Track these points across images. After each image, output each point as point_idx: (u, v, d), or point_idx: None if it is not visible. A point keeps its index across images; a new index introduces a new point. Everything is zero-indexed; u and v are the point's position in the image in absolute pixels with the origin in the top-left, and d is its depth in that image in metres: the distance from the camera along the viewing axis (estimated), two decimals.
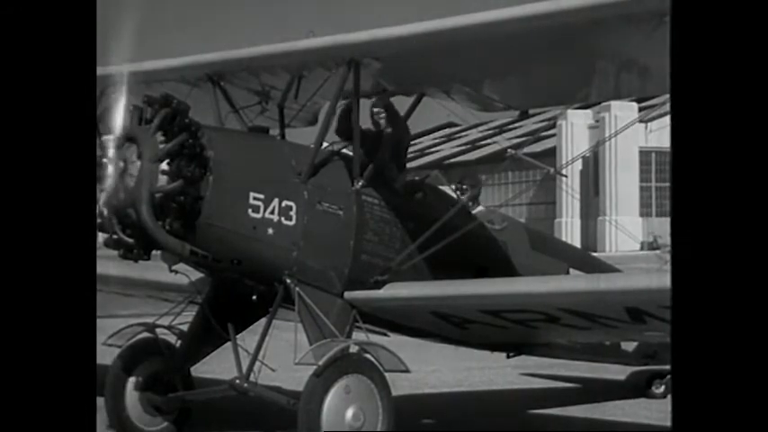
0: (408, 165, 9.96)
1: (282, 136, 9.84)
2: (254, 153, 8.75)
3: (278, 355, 8.82)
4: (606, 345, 11.07)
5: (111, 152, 8.10)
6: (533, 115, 56.00)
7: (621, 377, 12.94)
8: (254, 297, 8.93)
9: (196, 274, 9.40)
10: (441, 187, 10.40)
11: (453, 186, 10.32)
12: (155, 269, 9.86)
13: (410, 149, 10.03)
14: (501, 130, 60.82)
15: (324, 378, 8.10)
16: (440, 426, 11.33)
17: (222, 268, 8.74)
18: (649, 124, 48.99)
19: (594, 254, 22.62)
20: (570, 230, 51.91)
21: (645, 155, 51.42)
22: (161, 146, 8.08)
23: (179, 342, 9.53)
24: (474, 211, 10.18)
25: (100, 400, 8.07)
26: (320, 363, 8.09)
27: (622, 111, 46.55)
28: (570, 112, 48.30)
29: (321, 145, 9.06)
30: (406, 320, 9.48)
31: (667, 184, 36.55)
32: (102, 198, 8.07)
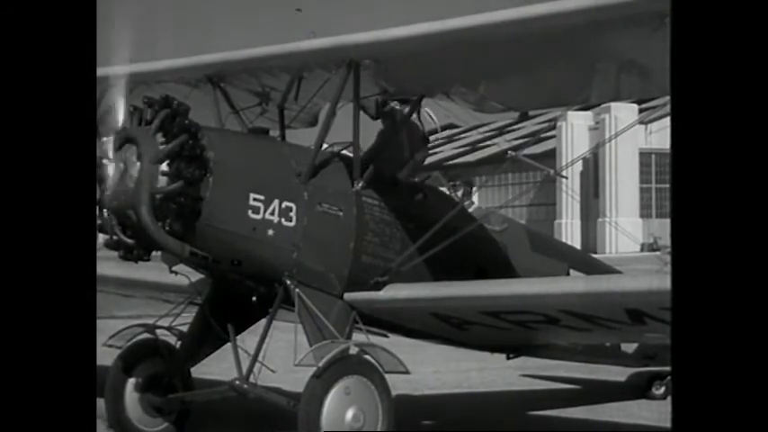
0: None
1: (282, 137, 9.83)
2: (254, 154, 8.75)
3: (278, 356, 8.81)
4: (606, 346, 11.06)
5: (110, 153, 8.10)
6: (533, 117, 56.09)
7: (622, 378, 12.94)
8: (254, 298, 8.92)
9: (196, 275, 9.39)
10: (441, 189, 10.39)
11: (448, 186, 10.31)
12: (155, 270, 9.87)
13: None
14: (501, 131, 60.87)
15: (324, 379, 8.09)
16: (440, 427, 11.32)
17: (222, 269, 8.73)
18: (649, 126, 49.07)
19: (594, 255, 22.59)
20: (570, 232, 51.97)
21: (645, 156, 51.48)
22: (161, 147, 8.08)
23: (179, 343, 9.53)
24: (470, 210, 10.16)
25: (100, 401, 8.06)
26: (320, 364, 8.08)
27: (622, 112, 46.61)
28: (570, 113, 48.38)
29: (321, 146, 9.05)
30: (406, 322, 9.48)
31: (667, 186, 36.55)
32: (102, 199, 8.08)
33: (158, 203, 8.00)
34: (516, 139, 52.64)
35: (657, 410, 11.59)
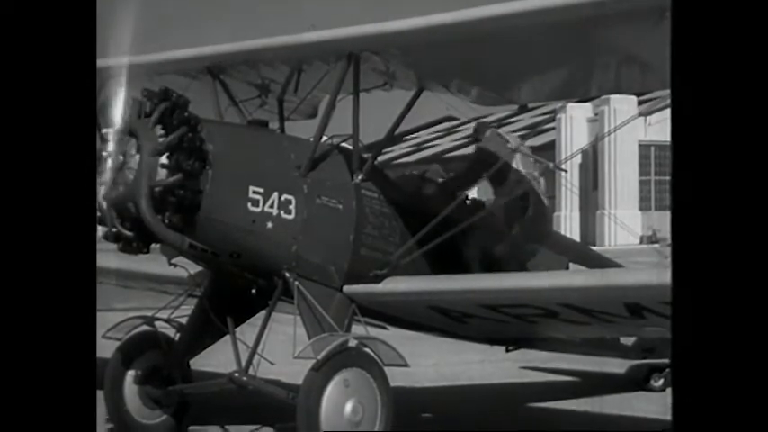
0: (407, 159, 9.95)
1: (282, 129, 9.83)
2: (253, 147, 8.75)
3: (277, 348, 8.81)
4: (605, 338, 11.08)
5: (110, 146, 8.10)
6: (532, 109, 56.06)
7: (621, 371, 12.96)
8: (254, 290, 8.92)
9: (195, 268, 9.40)
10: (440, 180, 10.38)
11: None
12: (154, 262, 9.87)
13: (409, 145, 10.04)
14: (500, 123, 60.78)
15: (323, 372, 8.10)
16: (438, 420, 11.33)
17: (221, 262, 8.74)
18: (649, 118, 48.98)
19: (594, 248, 22.58)
20: (569, 224, 51.90)
21: (644, 148, 51.39)
22: (160, 139, 8.08)
23: (178, 335, 9.53)
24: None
25: (99, 394, 8.06)
26: (319, 357, 8.09)
27: (622, 104, 46.55)
28: (569, 105, 48.27)
29: (320, 139, 9.05)
30: (405, 314, 9.49)
31: (667, 178, 36.54)
32: (101, 192, 8.07)
33: (158, 196, 8.00)
34: (515, 131, 52.58)
35: (656, 402, 11.60)
